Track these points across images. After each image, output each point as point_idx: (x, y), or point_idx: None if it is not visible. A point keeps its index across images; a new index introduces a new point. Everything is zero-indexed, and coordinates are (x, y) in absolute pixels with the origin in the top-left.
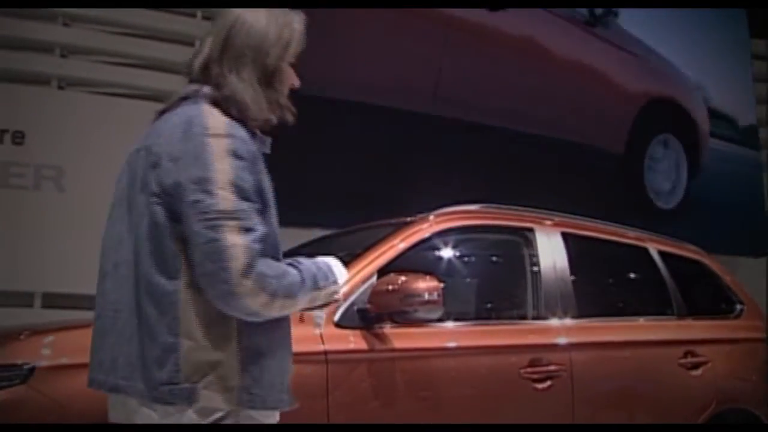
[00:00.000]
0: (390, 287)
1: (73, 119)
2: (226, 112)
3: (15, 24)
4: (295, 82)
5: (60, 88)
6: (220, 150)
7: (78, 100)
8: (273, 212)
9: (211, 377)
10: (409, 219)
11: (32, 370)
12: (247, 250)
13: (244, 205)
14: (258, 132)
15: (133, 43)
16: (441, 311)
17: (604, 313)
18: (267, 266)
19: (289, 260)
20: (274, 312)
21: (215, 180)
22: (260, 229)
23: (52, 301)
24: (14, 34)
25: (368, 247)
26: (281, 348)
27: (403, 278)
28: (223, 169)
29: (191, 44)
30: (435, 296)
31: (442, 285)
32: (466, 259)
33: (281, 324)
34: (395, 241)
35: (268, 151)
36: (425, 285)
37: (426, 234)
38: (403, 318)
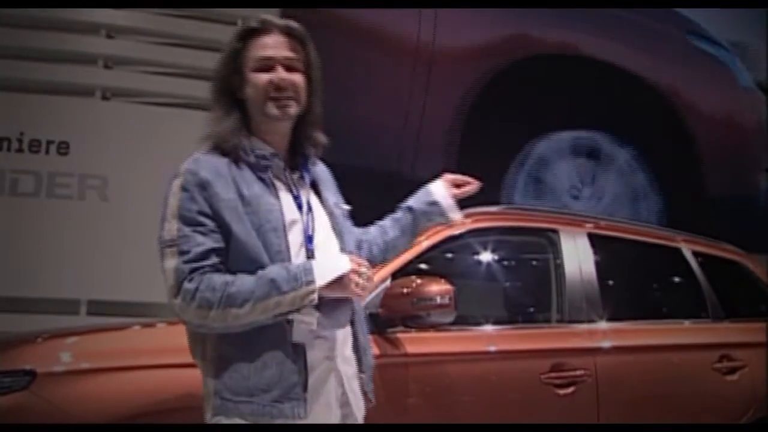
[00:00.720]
0: (404, 290)
1: (116, 129)
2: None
3: (58, 37)
4: (264, 81)
5: (104, 98)
6: (175, 188)
7: (122, 110)
8: (238, 226)
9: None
10: None
11: (34, 375)
12: (175, 272)
13: (187, 230)
14: (246, 152)
15: (176, 52)
16: (453, 315)
17: (633, 316)
18: (200, 281)
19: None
20: (218, 323)
21: (165, 215)
22: (199, 249)
23: (97, 308)
24: (58, 47)
25: None
26: (258, 356)
27: (418, 281)
28: (171, 204)
29: None
30: (447, 300)
31: (454, 288)
32: (487, 261)
33: (257, 333)
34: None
35: (267, 163)
36: (438, 288)
37: (444, 236)
38: (416, 323)
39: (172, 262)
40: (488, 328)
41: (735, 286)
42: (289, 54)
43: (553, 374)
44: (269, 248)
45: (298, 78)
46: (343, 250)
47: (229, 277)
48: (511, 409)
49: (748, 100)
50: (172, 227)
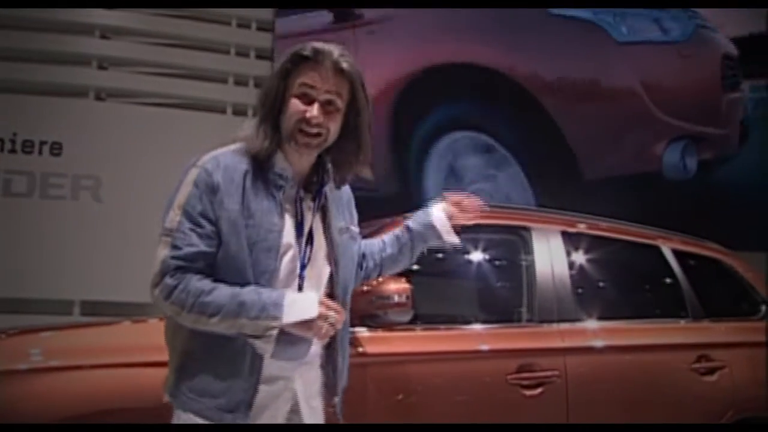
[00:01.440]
0: (364, 288)
1: (110, 129)
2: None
3: (52, 39)
4: (298, 111)
5: (99, 99)
6: (189, 179)
7: (115, 110)
8: (232, 239)
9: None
10: (389, 219)
11: None
12: (162, 263)
13: (186, 226)
14: (266, 165)
15: (170, 52)
16: (410, 314)
17: (607, 316)
18: (180, 281)
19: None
20: (187, 323)
21: (172, 202)
22: (190, 249)
23: (91, 309)
24: (51, 48)
25: None
26: (217, 365)
27: (379, 278)
28: (181, 194)
29: (227, 52)
30: (404, 298)
31: (411, 287)
32: (456, 259)
33: (222, 343)
34: None
35: (282, 183)
36: (395, 287)
37: None
38: (374, 322)
39: (162, 252)
40: (454, 327)
41: (717, 284)
42: (331, 94)
43: (519, 375)
44: (257, 266)
45: (330, 119)
46: (334, 279)
47: (207, 285)
48: (475, 410)
49: (622, 56)
50: (175, 218)
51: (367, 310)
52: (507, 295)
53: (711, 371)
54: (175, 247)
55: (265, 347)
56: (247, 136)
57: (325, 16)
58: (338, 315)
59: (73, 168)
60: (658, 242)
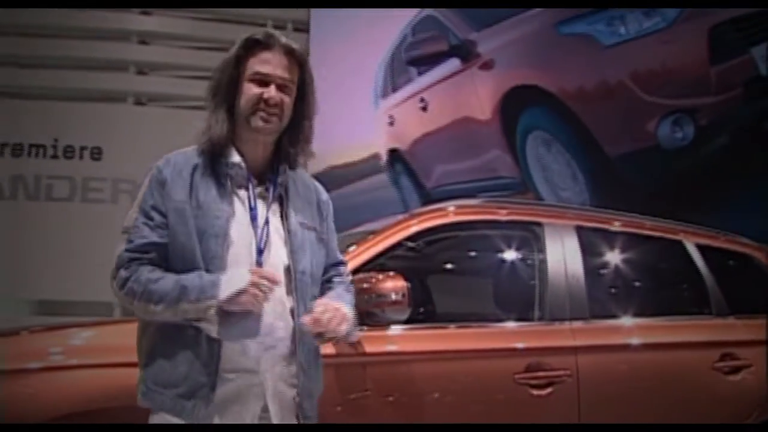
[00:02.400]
0: (363, 285)
1: (149, 133)
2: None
3: (90, 45)
4: (255, 93)
5: (138, 104)
6: (146, 181)
7: (153, 114)
8: (180, 228)
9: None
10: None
11: None
12: (118, 258)
13: (140, 221)
14: (215, 158)
15: (207, 56)
16: (407, 312)
17: (624, 313)
18: (133, 272)
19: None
20: (139, 313)
21: (134, 204)
22: (141, 241)
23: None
24: (90, 55)
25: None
26: (175, 353)
27: (379, 276)
28: (139, 195)
29: None
30: (401, 296)
31: (408, 285)
32: (467, 256)
33: (179, 331)
34: (376, 241)
35: (229, 171)
36: (392, 285)
37: (421, 228)
38: (372, 320)
39: (119, 248)
40: (460, 325)
41: (746, 280)
42: (285, 74)
43: (528, 374)
44: (206, 253)
45: (286, 98)
46: (291, 268)
47: (157, 274)
48: (480, 410)
49: (610, 57)
50: (132, 216)
51: (365, 308)
52: (517, 292)
53: (735, 370)
54: (129, 241)
55: (210, 327)
56: (199, 131)
57: (453, 62)
58: (270, 283)
59: (113, 172)
60: (681, 236)
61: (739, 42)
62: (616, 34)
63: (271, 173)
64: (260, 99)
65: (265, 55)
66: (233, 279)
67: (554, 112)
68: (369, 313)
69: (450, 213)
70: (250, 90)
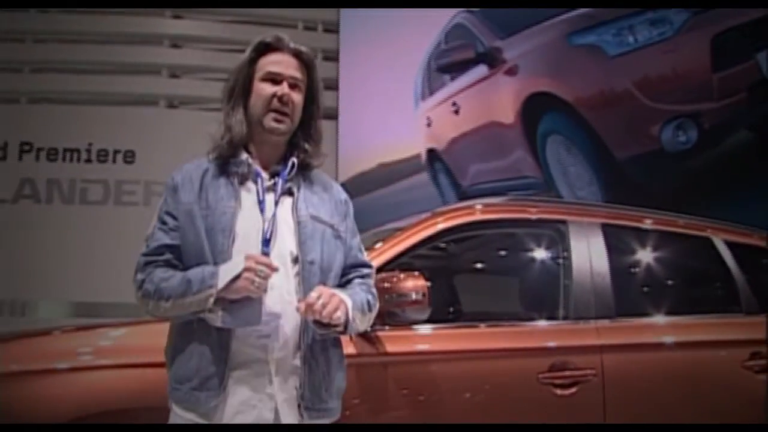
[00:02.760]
0: (384, 285)
1: (181, 136)
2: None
3: (122, 50)
4: (269, 92)
5: (171, 107)
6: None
7: (186, 117)
8: (189, 227)
9: None
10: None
11: None
12: (136, 264)
13: (156, 227)
14: (225, 160)
15: (238, 58)
16: (428, 312)
17: (652, 311)
18: (148, 274)
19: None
20: (158, 312)
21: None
22: (155, 244)
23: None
24: (122, 59)
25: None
26: (188, 348)
27: (400, 276)
28: (159, 204)
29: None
30: (421, 296)
31: (428, 284)
32: (492, 255)
33: (190, 327)
34: (401, 239)
35: (236, 170)
36: (412, 284)
37: (446, 227)
38: (393, 320)
39: (140, 255)
40: (485, 325)
41: None
42: (296, 74)
43: (552, 374)
44: (214, 248)
45: (297, 97)
46: (300, 259)
47: (168, 273)
48: (504, 410)
49: (616, 67)
50: (152, 224)
51: (386, 308)
52: (541, 291)
53: (766, 369)
54: (146, 247)
55: (213, 317)
56: (216, 134)
57: (481, 68)
58: (268, 268)
59: (146, 175)
60: (709, 233)
61: (744, 48)
62: (623, 44)
63: (282, 168)
64: (273, 96)
65: (276, 56)
66: (230, 267)
67: (568, 118)
68: (390, 313)
69: (476, 211)
70: (264, 89)
